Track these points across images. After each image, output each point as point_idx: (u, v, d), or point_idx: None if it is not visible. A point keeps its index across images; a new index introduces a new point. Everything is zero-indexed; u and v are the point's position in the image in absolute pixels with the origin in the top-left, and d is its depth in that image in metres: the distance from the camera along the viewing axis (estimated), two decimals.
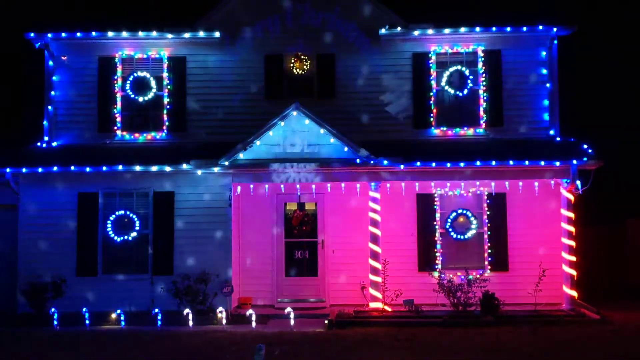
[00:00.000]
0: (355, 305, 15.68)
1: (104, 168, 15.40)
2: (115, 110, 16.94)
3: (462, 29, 16.61)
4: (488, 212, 16.23)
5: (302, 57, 16.93)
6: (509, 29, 16.59)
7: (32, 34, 16.74)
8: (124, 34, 16.73)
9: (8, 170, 15.38)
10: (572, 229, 15.37)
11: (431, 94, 16.82)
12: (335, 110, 16.64)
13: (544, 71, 16.74)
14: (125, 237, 15.63)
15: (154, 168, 15.42)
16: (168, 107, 17.00)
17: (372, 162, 15.17)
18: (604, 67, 25.73)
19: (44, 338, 13.42)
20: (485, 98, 16.77)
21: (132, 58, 17.06)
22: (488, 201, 16.24)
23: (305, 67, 16.93)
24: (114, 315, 14.75)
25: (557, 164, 15.18)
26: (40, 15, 20.69)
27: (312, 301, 16.23)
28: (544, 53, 16.75)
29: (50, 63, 17.01)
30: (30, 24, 17.10)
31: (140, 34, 16.73)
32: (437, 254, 16.19)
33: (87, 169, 15.41)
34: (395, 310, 15.10)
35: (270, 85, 16.94)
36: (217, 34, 16.76)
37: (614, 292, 18.28)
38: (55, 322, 14.53)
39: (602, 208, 20.98)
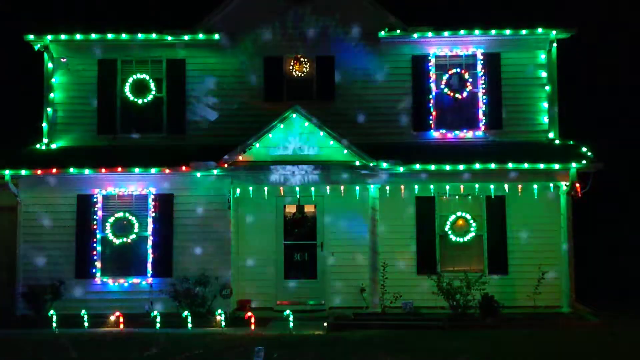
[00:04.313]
0: (354, 308, 15.69)
1: (103, 170, 15.40)
2: (114, 112, 16.95)
3: (462, 32, 16.63)
4: (487, 215, 16.22)
5: (302, 59, 16.95)
6: (508, 32, 16.60)
7: (31, 36, 16.75)
8: (124, 36, 16.74)
9: (7, 172, 15.37)
10: (571, 231, 15.36)
11: (430, 96, 16.83)
12: (334, 112, 16.65)
13: (543, 74, 16.76)
14: (124, 239, 15.62)
15: (153, 170, 15.40)
16: (167, 109, 17.01)
17: (371, 164, 15.17)
18: (604, 69, 25.75)
19: (43, 340, 13.40)
20: (484, 101, 16.79)
21: (132, 60, 17.07)
22: (487, 204, 16.23)
23: (304, 69, 16.94)
24: (112, 318, 14.71)
25: (557, 167, 15.19)
26: (40, 17, 20.71)
27: (311, 304, 16.21)
28: (543, 56, 16.77)
29: (50, 65, 17.01)
30: (30, 26, 17.10)
31: (140, 36, 16.74)
32: (437, 257, 16.17)
33: (86, 171, 15.40)
34: (394, 313, 15.07)
35: (269, 87, 16.95)
36: (216, 36, 16.77)
37: (613, 294, 18.27)
38: (54, 324, 14.48)
39: (601, 210, 20.99)
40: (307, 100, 16.50)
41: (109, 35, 16.74)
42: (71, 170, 15.38)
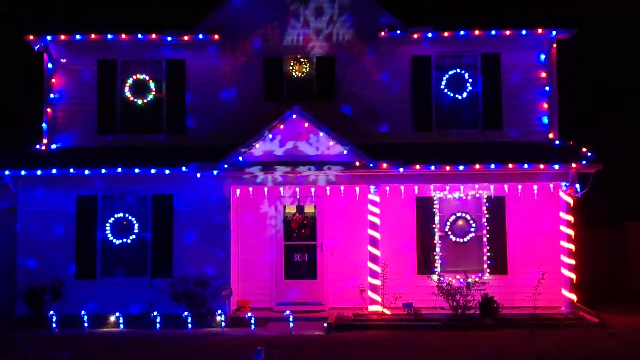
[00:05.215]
0: (354, 309, 15.69)
1: (103, 170, 15.38)
2: (114, 113, 16.94)
3: (462, 32, 16.60)
4: (487, 215, 16.22)
5: (302, 59, 16.96)
6: (508, 32, 16.59)
7: (31, 37, 16.72)
8: (123, 36, 16.73)
9: (7, 172, 15.35)
10: (571, 232, 15.38)
11: (430, 97, 16.82)
12: (334, 112, 16.64)
13: (543, 74, 16.75)
14: (124, 240, 15.61)
15: (153, 171, 15.37)
16: (167, 109, 17.00)
17: (371, 165, 15.17)
18: (604, 70, 25.77)
19: (43, 340, 13.41)
20: (484, 101, 16.78)
21: (132, 60, 17.05)
22: (487, 204, 16.23)
23: (304, 69, 16.95)
24: (112, 318, 14.73)
25: (556, 167, 15.19)
26: (39, 17, 20.71)
27: (311, 304, 16.20)
28: (543, 56, 16.76)
29: (50, 65, 17.01)
30: (29, 26, 17.10)
31: (140, 36, 16.73)
32: (437, 257, 16.17)
33: (86, 172, 15.38)
34: (394, 314, 15.09)
35: (269, 87, 16.95)
36: (216, 37, 16.77)
37: (613, 295, 18.29)
38: (54, 325, 14.52)
39: (601, 211, 21.00)
40: (307, 101, 16.48)
41: (109, 36, 16.74)
42: (71, 170, 15.37)
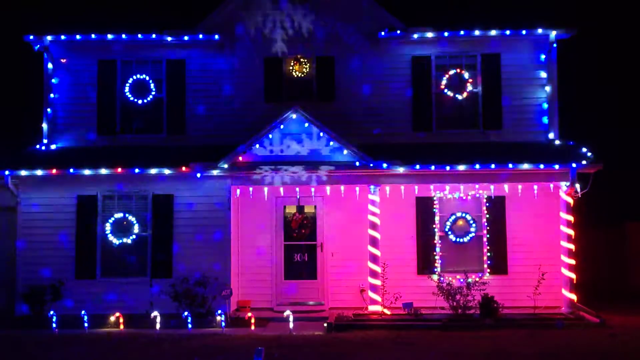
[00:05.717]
0: (354, 308, 15.68)
1: (103, 171, 15.38)
2: (114, 113, 16.95)
3: (461, 32, 16.61)
4: (487, 215, 16.22)
5: (302, 59, 16.96)
6: (508, 32, 16.60)
7: (31, 37, 16.75)
8: (123, 36, 16.74)
9: (7, 172, 15.36)
10: (571, 232, 15.37)
11: (430, 97, 16.83)
12: (334, 112, 16.65)
13: (543, 74, 16.75)
14: (124, 240, 15.61)
15: (153, 171, 15.39)
16: (167, 109, 17.01)
17: (371, 165, 15.17)
18: (604, 70, 25.78)
19: (43, 340, 13.40)
20: (484, 101, 16.77)
21: (132, 60, 17.06)
22: (487, 204, 16.23)
23: (304, 69, 16.96)
24: (112, 318, 14.72)
25: (556, 167, 15.19)
26: (39, 17, 20.72)
27: (311, 304, 16.22)
28: (543, 56, 16.76)
29: (50, 65, 17.02)
30: (29, 26, 17.11)
31: (140, 36, 16.74)
32: (437, 257, 16.17)
33: (86, 172, 15.38)
34: (394, 314, 15.09)
35: (269, 87, 16.95)
36: (216, 37, 16.78)
37: (613, 295, 18.28)
38: (54, 325, 14.50)
39: (601, 211, 20.99)
40: (307, 101, 16.51)
41: (109, 36, 16.75)
42: (71, 170, 15.37)
